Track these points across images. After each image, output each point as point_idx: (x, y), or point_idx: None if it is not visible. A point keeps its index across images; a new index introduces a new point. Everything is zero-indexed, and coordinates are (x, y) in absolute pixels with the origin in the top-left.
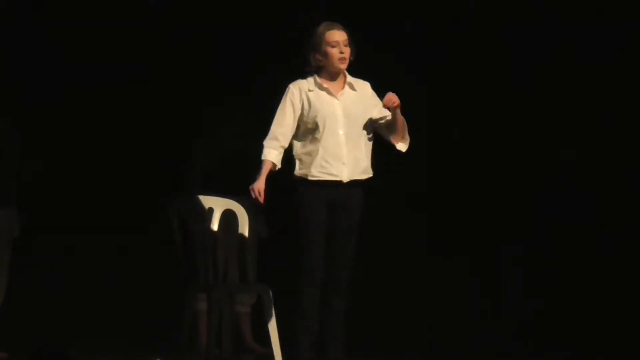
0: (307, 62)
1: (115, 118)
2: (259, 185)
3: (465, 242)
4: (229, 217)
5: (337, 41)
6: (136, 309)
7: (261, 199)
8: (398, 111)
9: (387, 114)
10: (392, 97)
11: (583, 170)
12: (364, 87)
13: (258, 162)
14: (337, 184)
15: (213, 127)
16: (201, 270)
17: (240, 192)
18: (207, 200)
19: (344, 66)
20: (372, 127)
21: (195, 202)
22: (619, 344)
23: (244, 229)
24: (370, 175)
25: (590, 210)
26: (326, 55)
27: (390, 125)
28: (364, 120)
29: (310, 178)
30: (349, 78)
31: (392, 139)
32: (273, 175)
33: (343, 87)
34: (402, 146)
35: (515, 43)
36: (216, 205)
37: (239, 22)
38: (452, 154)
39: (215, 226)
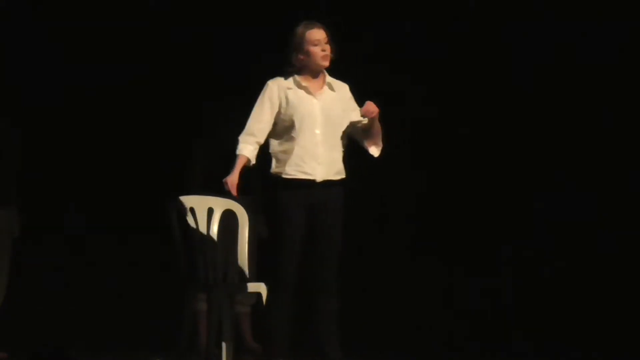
0: (289, 62)
1: (116, 118)
2: (233, 179)
3: (464, 242)
4: (229, 217)
5: (319, 39)
6: (136, 309)
7: (234, 192)
8: (376, 119)
9: (364, 119)
10: (371, 107)
11: (583, 170)
12: (343, 89)
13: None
14: (312, 183)
15: (213, 127)
16: (201, 270)
17: (240, 192)
18: (207, 200)
19: (326, 64)
20: (348, 130)
21: (195, 202)
22: (619, 344)
23: (244, 229)
24: (344, 176)
25: (590, 210)
26: (309, 54)
27: (366, 131)
28: (341, 121)
29: (284, 176)
30: (329, 78)
31: (366, 144)
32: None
33: (322, 87)
34: (374, 151)
35: (515, 43)
36: (216, 205)
37: (239, 22)
38: (453, 153)
39: (215, 226)
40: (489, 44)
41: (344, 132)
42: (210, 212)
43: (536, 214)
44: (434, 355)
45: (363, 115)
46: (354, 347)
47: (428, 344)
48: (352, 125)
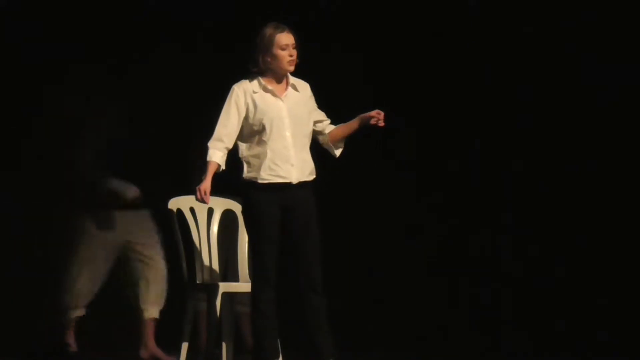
0: (255, 63)
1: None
2: (205, 186)
3: (463, 242)
4: (229, 217)
5: (287, 44)
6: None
7: (207, 199)
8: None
9: (324, 119)
10: (382, 116)
11: (583, 170)
12: (305, 89)
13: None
14: (287, 186)
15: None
16: (201, 270)
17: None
18: None
19: (292, 68)
20: (311, 129)
21: (195, 202)
22: (618, 345)
23: (244, 229)
24: (315, 176)
25: (590, 210)
26: (276, 57)
27: (338, 135)
28: (307, 121)
29: (260, 181)
30: (291, 79)
31: (331, 144)
32: None
33: (286, 88)
34: (338, 152)
35: (516, 43)
36: (216, 205)
37: (238, 21)
38: (455, 156)
39: (215, 226)
40: (489, 43)
41: (310, 131)
42: (210, 212)
43: (535, 216)
44: (429, 354)
45: (374, 121)
46: (350, 346)
47: (423, 343)
48: (314, 124)
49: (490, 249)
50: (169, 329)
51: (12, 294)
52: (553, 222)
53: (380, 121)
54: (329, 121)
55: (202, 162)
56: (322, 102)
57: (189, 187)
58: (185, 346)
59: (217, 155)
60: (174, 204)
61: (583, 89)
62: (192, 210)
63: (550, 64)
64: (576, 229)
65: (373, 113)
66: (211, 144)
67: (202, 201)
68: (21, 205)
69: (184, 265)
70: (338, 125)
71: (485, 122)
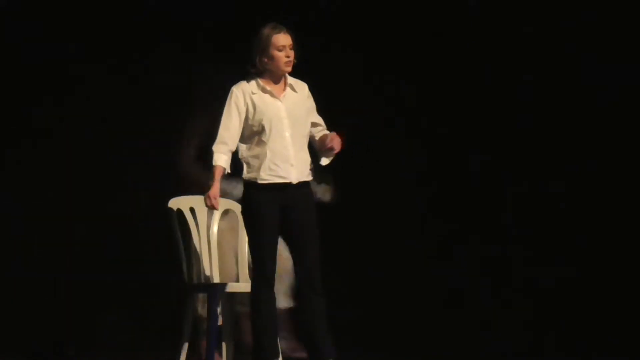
0: (253, 64)
1: (115, 115)
2: (214, 192)
3: (463, 242)
4: (229, 217)
5: (284, 45)
6: (136, 308)
7: (216, 205)
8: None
9: (320, 124)
10: (337, 143)
11: (583, 170)
12: (303, 89)
13: None
14: (287, 186)
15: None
16: (201, 270)
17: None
18: None
19: (289, 69)
20: (308, 129)
21: (195, 202)
22: (619, 345)
23: (244, 229)
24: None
25: (590, 210)
26: (273, 58)
27: (319, 144)
28: (306, 121)
29: (260, 182)
30: (290, 79)
31: (318, 151)
32: None
33: (285, 89)
34: (324, 161)
35: (516, 43)
36: None
37: (238, 20)
38: (456, 159)
39: (215, 226)
40: (489, 43)
41: (308, 132)
42: (210, 212)
43: (533, 216)
44: (429, 355)
45: (328, 145)
46: (351, 346)
47: (423, 343)
48: (311, 125)
49: (490, 249)
50: (169, 329)
51: (12, 294)
52: (553, 222)
53: (332, 145)
54: (323, 127)
55: (201, 162)
56: (322, 102)
57: (188, 187)
58: (185, 346)
59: (222, 159)
60: (174, 203)
61: (583, 89)
62: (192, 210)
63: (550, 64)
64: (576, 229)
65: (327, 139)
66: (215, 147)
67: (212, 207)
68: (21, 205)
69: (184, 265)
70: (323, 134)
71: (485, 122)
